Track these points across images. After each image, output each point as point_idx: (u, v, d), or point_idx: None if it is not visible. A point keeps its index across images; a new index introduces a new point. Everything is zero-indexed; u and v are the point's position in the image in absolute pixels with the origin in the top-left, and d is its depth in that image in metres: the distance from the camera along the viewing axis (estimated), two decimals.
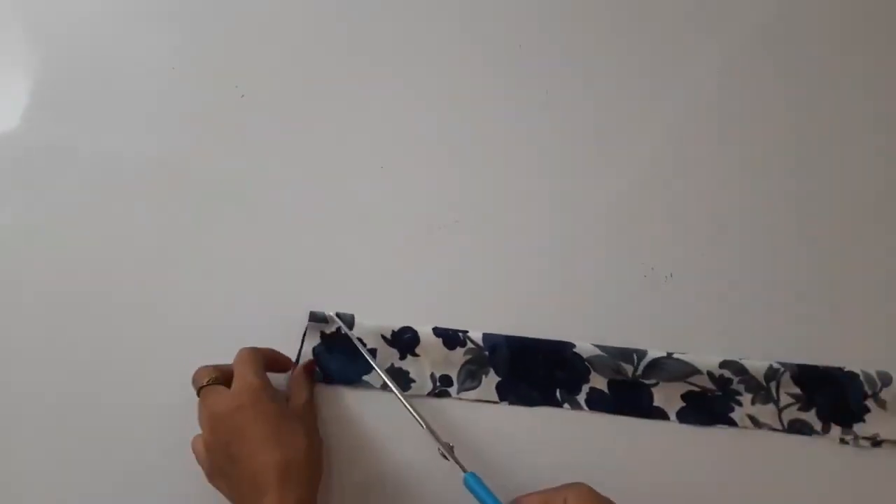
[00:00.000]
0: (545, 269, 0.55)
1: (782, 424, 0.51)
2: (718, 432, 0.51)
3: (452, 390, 0.51)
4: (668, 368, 0.51)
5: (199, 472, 0.46)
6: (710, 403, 0.51)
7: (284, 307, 0.53)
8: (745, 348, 0.53)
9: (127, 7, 0.61)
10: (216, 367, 0.47)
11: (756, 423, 0.51)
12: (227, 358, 0.49)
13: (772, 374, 0.51)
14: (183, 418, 0.49)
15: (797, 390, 0.51)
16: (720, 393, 0.51)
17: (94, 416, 0.52)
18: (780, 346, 0.53)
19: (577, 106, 0.59)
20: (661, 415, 0.51)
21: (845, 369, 0.52)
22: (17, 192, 0.57)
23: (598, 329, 0.53)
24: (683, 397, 0.51)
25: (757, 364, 0.51)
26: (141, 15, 0.61)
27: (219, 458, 0.43)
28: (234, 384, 0.44)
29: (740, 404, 0.51)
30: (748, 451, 0.51)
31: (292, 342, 0.52)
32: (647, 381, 0.52)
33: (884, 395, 0.51)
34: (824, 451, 0.51)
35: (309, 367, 0.51)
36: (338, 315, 0.52)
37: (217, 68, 0.60)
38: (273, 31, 0.61)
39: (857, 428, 0.51)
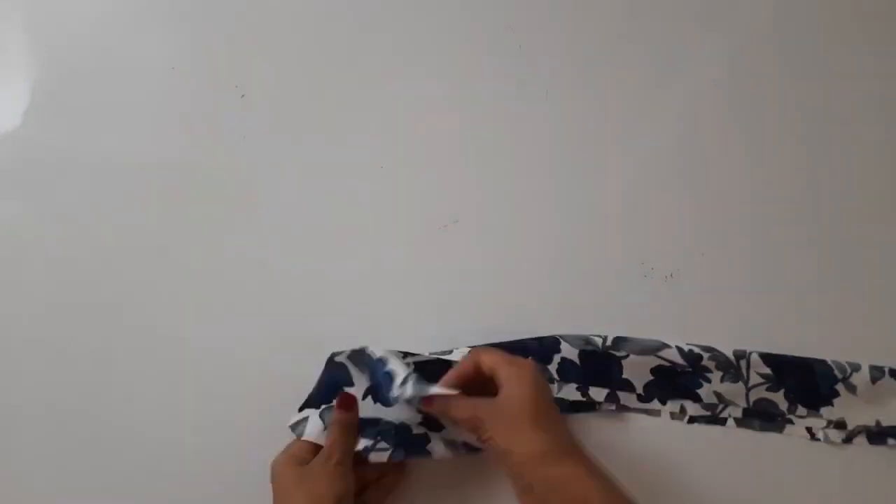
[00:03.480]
0: (545, 268, 0.55)
1: (748, 402, 0.51)
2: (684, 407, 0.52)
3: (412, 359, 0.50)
4: (638, 342, 0.51)
5: (200, 482, 0.46)
6: (679, 378, 0.51)
7: (284, 306, 0.53)
8: (744, 348, 0.53)
9: (127, 7, 0.61)
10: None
11: (721, 399, 0.51)
12: (218, 351, 0.52)
13: (740, 352, 0.51)
14: (179, 417, 0.49)
15: (767, 370, 0.51)
16: (690, 369, 0.51)
17: (93, 415, 0.52)
18: (782, 347, 0.53)
19: (578, 106, 0.59)
20: (628, 387, 0.51)
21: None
22: (17, 192, 0.57)
23: (598, 329, 0.53)
24: (653, 371, 0.51)
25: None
26: (141, 15, 0.61)
27: None
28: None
29: (709, 381, 0.51)
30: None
31: (289, 340, 0.52)
32: (617, 353, 0.52)
33: (854, 379, 0.51)
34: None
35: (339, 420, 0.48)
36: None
37: (217, 68, 0.60)
38: (273, 31, 0.61)
39: (825, 411, 0.51)
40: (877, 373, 0.51)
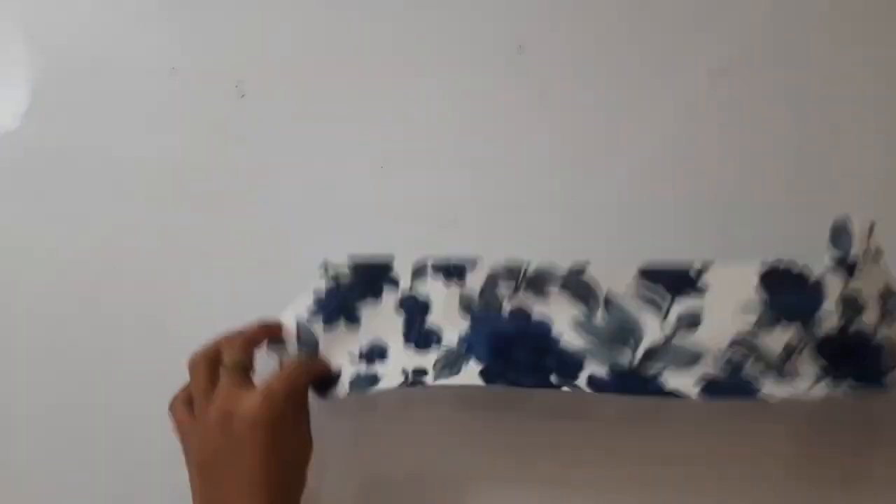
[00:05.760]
0: None
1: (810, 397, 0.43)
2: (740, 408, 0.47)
3: (428, 378, 0.47)
4: (670, 355, 0.44)
5: None
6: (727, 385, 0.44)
7: (284, 306, 0.53)
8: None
9: (127, 7, 0.61)
10: (245, 348, 0.43)
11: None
12: None
13: (789, 348, 0.44)
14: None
15: (819, 364, 0.44)
16: (734, 380, 0.44)
17: (93, 415, 0.52)
18: None
19: (577, 106, 0.59)
20: (676, 395, 0.44)
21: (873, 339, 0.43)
22: (17, 192, 0.57)
23: None
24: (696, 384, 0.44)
25: (770, 339, 0.44)
26: (141, 15, 0.61)
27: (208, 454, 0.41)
28: (258, 393, 0.41)
29: (760, 388, 0.44)
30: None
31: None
32: (649, 373, 0.45)
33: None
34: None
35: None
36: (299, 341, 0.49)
37: (217, 68, 0.60)
38: (273, 30, 0.61)
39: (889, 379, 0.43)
40: None
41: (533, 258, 0.55)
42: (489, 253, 0.55)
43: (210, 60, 0.60)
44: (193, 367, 0.42)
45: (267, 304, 0.54)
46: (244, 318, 0.53)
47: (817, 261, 0.51)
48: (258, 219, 0.56)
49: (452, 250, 0.55)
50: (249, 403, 0.39)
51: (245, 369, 0.42)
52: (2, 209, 0.57)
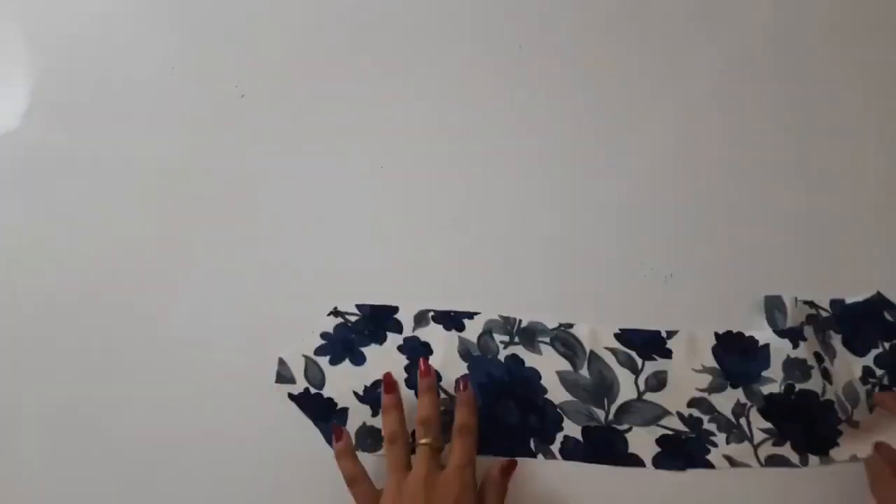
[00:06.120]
0: (544, 269, 0.55)
1: (760, 462, 0.50)
2: (697, 474, 0.50)
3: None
4: (639, 412, 0.51)
5: (203, 478, 0.46)
6: (685, 446, 0.50)
7: (282, 306, 0.53)
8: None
9: (127, 7, 0.62)
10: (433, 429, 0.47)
11: (733, 462, 0.50)
12: (224, 354, 0.51)
13: (739, 409, 0.50)
14: (180, 416, 0.49)
15: (768, 425, 0.50)
16: (693, 435, 0.50)
17: (93, 415, 0.52)
18: None
19: (578, 107, 0.59)
20: (637, 462, 0.50)
21: (821, 398, 0.50)
22: (17, 192, 0.57)
23: (598, 321, 0.53)
24: (658, 442, 0.50)
25: (722, 400, 0.51)
26: (141, 15, 0.61)
27: None
28: (454, 472, 0.45)
29: (715, 445, 0.50)
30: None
31: (289, 339, 0.52)
32: (619, 427, 0.50)
33: (856, 415, 0.50)
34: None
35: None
36: (306, 376, 0.51)
37: (217, 68, 0.60)
38: (273, 30, 0.61)
39: (834, 453, 0.49)
40: (871, 399, 0.50)
41: (532, 258, 0.56)
42: (489, 253, 0.56)
43: (210, 60, 0.60)
44: (395, 440, 0.47)
45: (266, 303, 0.54)
46: (243, 317, 0.53)
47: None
48: (258, 218, 0.56)
49: (452, 250, 0.55)
50: (449, 481, 0.45)
51: (441, 450, 0.47)
52: (2, 209, 0.57)
